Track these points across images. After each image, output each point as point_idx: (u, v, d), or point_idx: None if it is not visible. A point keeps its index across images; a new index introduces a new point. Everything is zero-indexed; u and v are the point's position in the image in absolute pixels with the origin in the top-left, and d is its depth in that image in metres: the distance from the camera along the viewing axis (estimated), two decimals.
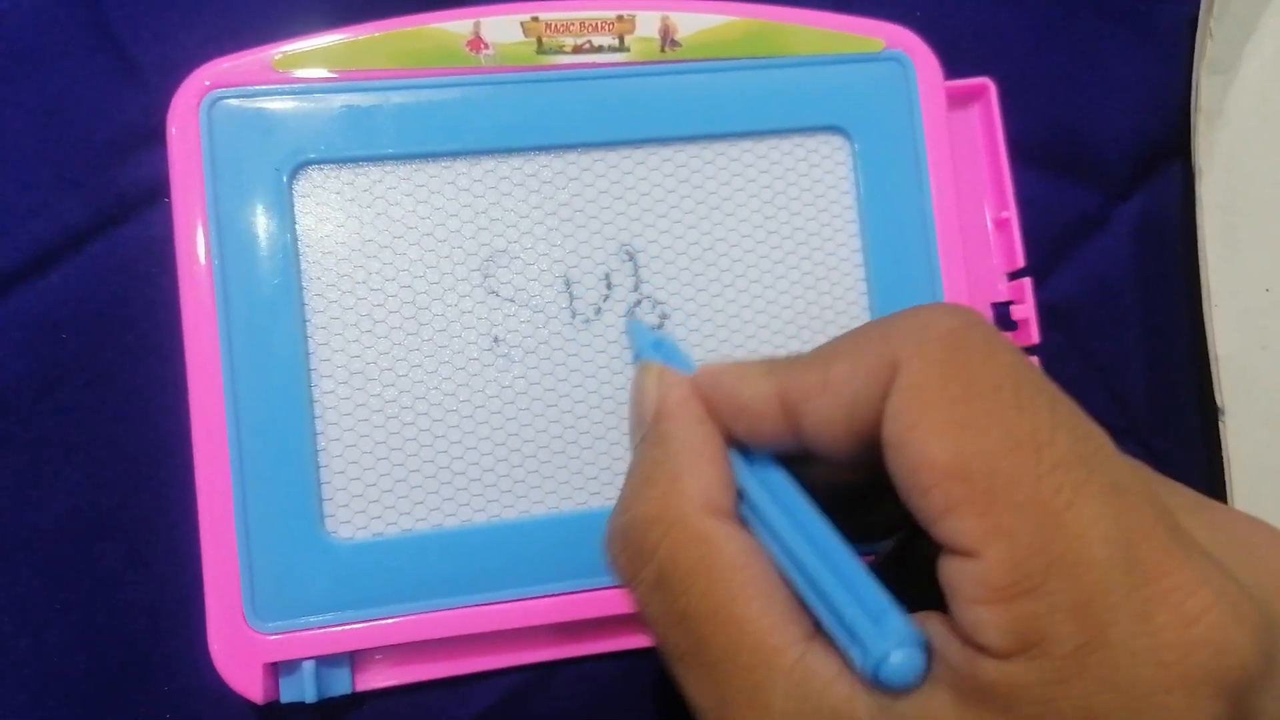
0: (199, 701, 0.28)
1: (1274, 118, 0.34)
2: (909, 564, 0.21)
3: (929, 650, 0.17)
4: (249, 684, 0.27)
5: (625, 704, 0.30)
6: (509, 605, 0.28)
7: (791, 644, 0.18)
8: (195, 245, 0.27)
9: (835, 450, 0.19)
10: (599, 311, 0.29)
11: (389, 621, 0.27)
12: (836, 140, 0.30)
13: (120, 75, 0.30)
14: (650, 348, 0.23)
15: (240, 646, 0.27)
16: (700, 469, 0.20)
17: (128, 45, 0.30)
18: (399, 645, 0.28)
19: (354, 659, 0.28)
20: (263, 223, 0.28)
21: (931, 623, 0.17)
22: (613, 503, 0.28)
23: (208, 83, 0.28)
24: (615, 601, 0.28)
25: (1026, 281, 0.31)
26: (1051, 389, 0.17)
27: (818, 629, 0.18)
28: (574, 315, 0.29)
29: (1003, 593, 0.15)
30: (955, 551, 0.16)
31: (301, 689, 0.27)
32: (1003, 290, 0.32)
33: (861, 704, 0.17)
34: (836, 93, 0.30)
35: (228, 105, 0.28)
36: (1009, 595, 0.15)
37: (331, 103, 0.28)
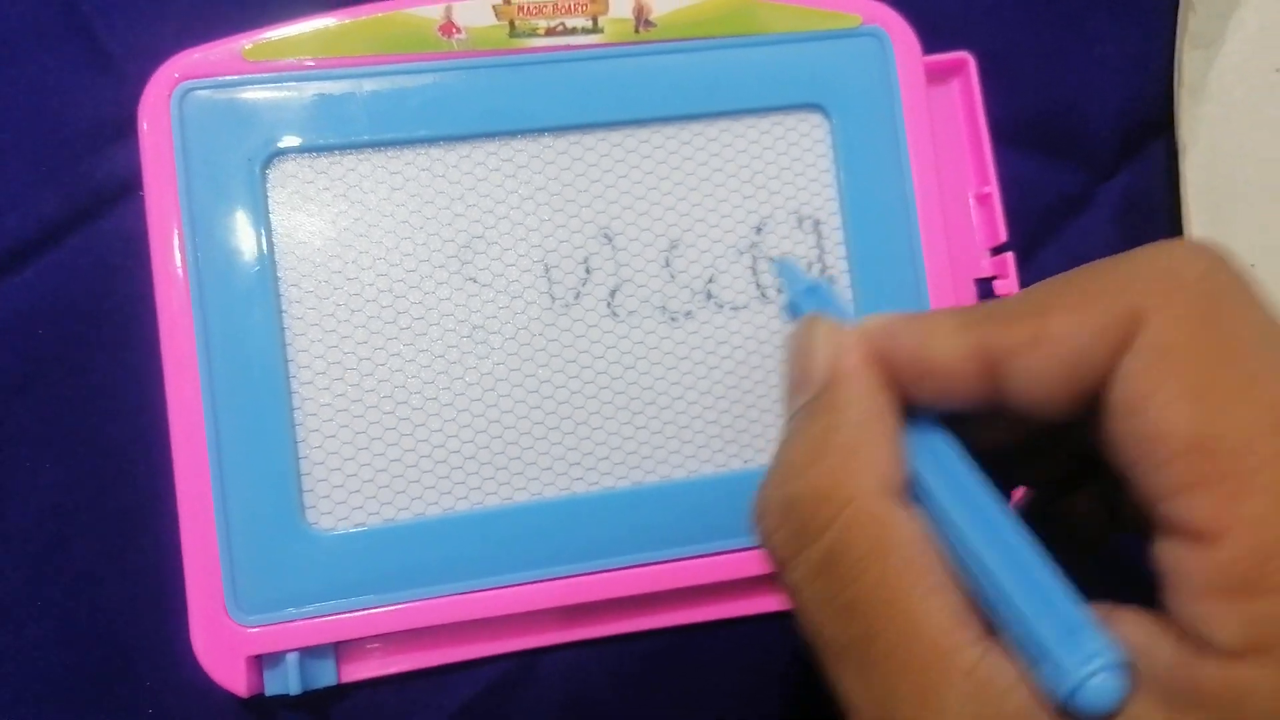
0: (182, 696, 0.28)
1: (1257, 92, 0.34)
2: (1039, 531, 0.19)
3: (1132, 669, 0.15)
4: (232, 677, 0.27)
5: (611, 690, 0.30)
6: (493, 593, 0.27)
7: (969, 645, 0.16)
8: (169, 238, 0.27)
9: (1042, 412, 0.17)
10: (578, 296, 0.29)
11: (373, 612, 0.27)
12: (815, 118, 0.30)
13: (94, 67, 0.30)
14: (805, 294, 0.21)
15: (223, 640, 0.26)
16: (879, 444, 0.18)
17: (101, 36, 0.30)
18: (384, 635, 0.28)
19: (338, 650, 0.28)
20: (237, 214, 0.27)
21: (1131, 621, 0.16)
22: (595, 488, 0.28)
23: (177, 75, 0.28)
24: (599, 586, 0.28)
25: (1009, 256, 0.31)
26: None
27: (992, 629, 0.17)
28: (553, 300, 0.29)
29: (1243, 584, 0.14)
30: (1186, 535, 0.14)
31: (286, 681, 0.27)
32: (985, 265, 0.31)
33: (1046, 713, 0.15)
34: (814, 70, 0.30)
35: (199, 96, 0.28)
36: (1251, 588, 0.14)
37: (303, 91, 0.28)
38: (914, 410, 0.19)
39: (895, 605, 0.17)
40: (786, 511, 0.18)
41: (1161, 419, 0.15)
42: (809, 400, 0.19)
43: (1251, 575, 0.14)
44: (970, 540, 0.17)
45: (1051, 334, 0.16)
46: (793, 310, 0.22)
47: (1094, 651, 0.15)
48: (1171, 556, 0.15)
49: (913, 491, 0.18)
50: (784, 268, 0.24)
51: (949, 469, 0.18)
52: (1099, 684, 0.15)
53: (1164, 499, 0.15)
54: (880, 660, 0.17)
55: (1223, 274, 0.16)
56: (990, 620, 0.17)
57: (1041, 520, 0.19)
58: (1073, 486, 0.21)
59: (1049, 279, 0.18)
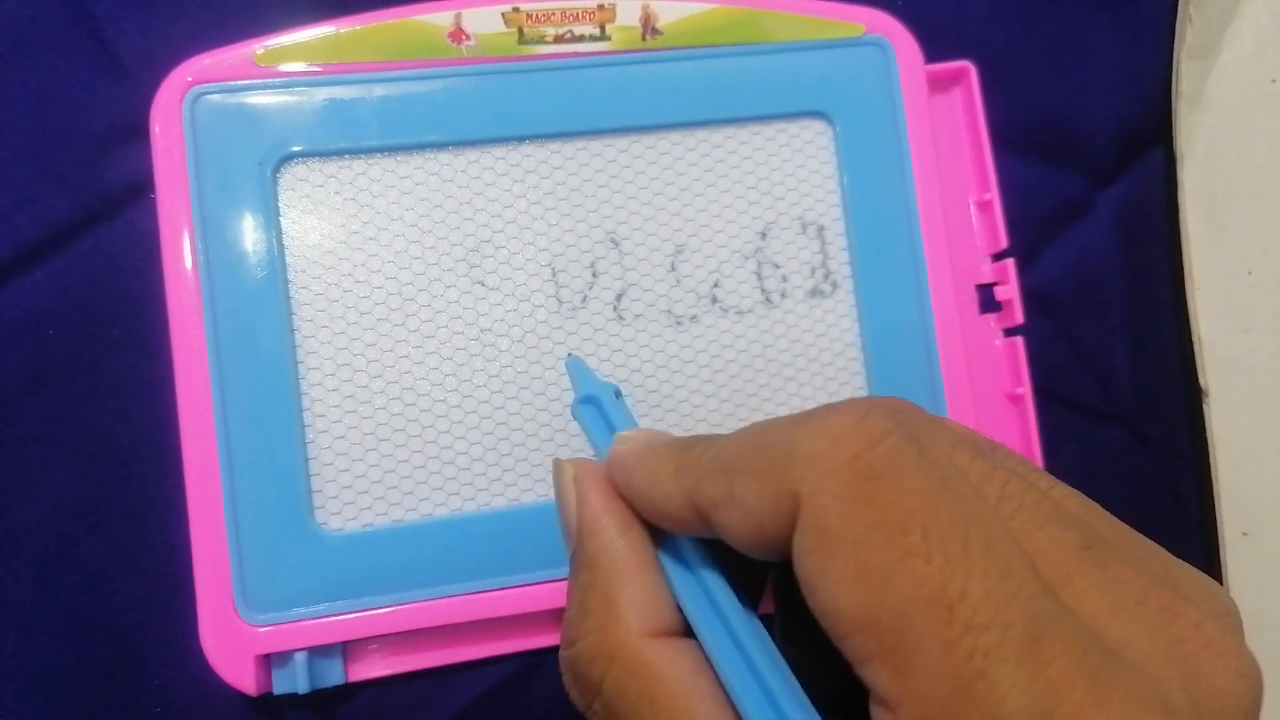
0: (191, 694, 0.28)
1: (1254, 102, 0.34)
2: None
3: None
4: (241, 676, 0.27)
5: None
6: (500, 593, 0.28)
7: None
8: (180, 241, 0.27)
9: (755, 555, 0.17)
10: (585, 299, 0.29)
11: (380, 612, 0.27)
12: (818, 125, 0.30)
13: (105, 70, 0.30)
14: (581, 404, 0.22)
15: (231, 639, 0.27)
16: (633, 588, 0.19)
17: (112, 40, 0.30)
18: (391, 635, 0.28)
19: (346, 649, 0.28)
20: (247, 217, 0.28)
21: None
22: None
23: (190, 79, 0.28)
24: None
25: (1009, 262, 0.31)
26: (967, 512, 0.15)
27: None
28: (560, 304, 0.29)
29: None
30: (877, 700, 0.15)
31: (294, 680, 0.27)
32: (986, 272, 0.32)
33: None
34: (818, 78, 0.30)
35: (210, 101, 0.28)
36: None
37: (314, 96, 0.28)
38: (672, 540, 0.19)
39: None
40: (572, 670, 0.19)
41: (832, 598, 0.15)
42: (571, 554, 0.20)
43: None
44: (718, 659, 0.18)
45: (738, 497, 0.17)
46: (575, 415, 0.23)
47: None
48: (874, 714, 0.15)
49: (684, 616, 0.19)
50: (572, 368, 0.24)
51: (703, 589, 0.19)
52: None
53: (855, 666, 0.15)
54: None
55: (878, 447, 0.16)
56: None
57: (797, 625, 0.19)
58: None
59: (748, 428, 0.18)
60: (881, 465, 0.16)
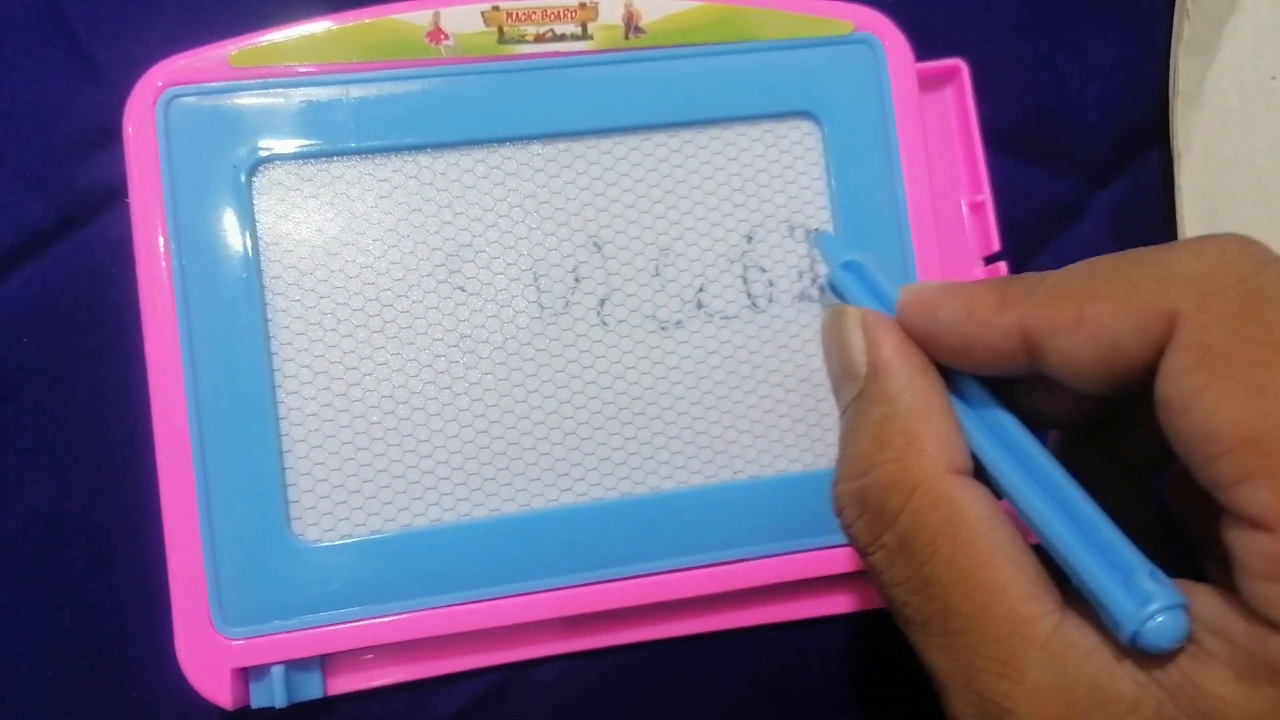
0: (167, 707, 0.28)
1: (1252, 100, 0.34)
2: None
3: (1189, 612, 0.16)
4: (217, 690, 0.26)
5: (601, 703, 0.29)
6: (481, 605, 0.27)
7: (1046, 614, 0.17)
8: (154, 246, 0.27)
9: (1079, 387, 0.18)
10: (567, 305, 0.29)
11: (359, 624, 0.27)
12: (806, 125, 0.30)
13: (79, 73, 0.30)
14: (843, 270, 0.22)
15: (208, 652, 0.26)
16: (935, 426, 0.19)
17: (86, 42, 0.30)
18: (370, 648, 0.28)
19: (324, 662, 0.28)
20: (222, 221, 0.27)
21: (1204, 594, 0.17)
22: (584, 498, 0.28)
23: (162, 81, 0.27)
24: (588, 599, 0.27)
25: (1002, 265, 0.30)
26: None
27: (1070, 598, 0.18)
28: (542, 309, 0.28)
29: None
30: (1246, 522, 0.15)
31: (271, 694, 0.27)
32: (979, 274, 0.31)
33: (1125, 677, 0.16)
34: (805, 77, 0.30)
35: (184, 103, 0.27)
36: None
37: (289, 98, 0.28)
38: (955, 376, 0.20)
39: (970, 581, 0.18)
40: (861, 503, 0.19)
41: (1211, 417, 0.15)
42: (857, 394, 0.20)
43: None
44: (1028, 500, 0.18)
45: (1089, 319, 0.17)
46: (832, 287, 0.22)
47: (1154, 592, 0.16)
48: (1236, 540, 0.16)
49: (975, 462, 0.19)
50: (821, 241, 0.24)
51: (1000, 433, 0.19)
52: (1163, 622, 0.16)
53: (1222, 489, 0.15)
54: (959, 632, 0.18)
55: (1265, 272, 0.16)
56: (1066, 582, 0.18)
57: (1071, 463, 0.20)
58: (1101, 428, 0.22)
59: (1089, 261, 0.18)
60: (1270, 288, 0.16)
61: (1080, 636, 0.17)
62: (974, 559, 0.18)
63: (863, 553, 0.20)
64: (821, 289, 0.23)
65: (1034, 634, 0.17)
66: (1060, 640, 0.17)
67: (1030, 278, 0.19)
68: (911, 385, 0.19)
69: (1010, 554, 0.18)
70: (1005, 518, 0.18)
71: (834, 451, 0.29)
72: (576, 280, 0.29)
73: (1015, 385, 0.20)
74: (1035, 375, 0.19)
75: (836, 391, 0.21)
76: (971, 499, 0.18)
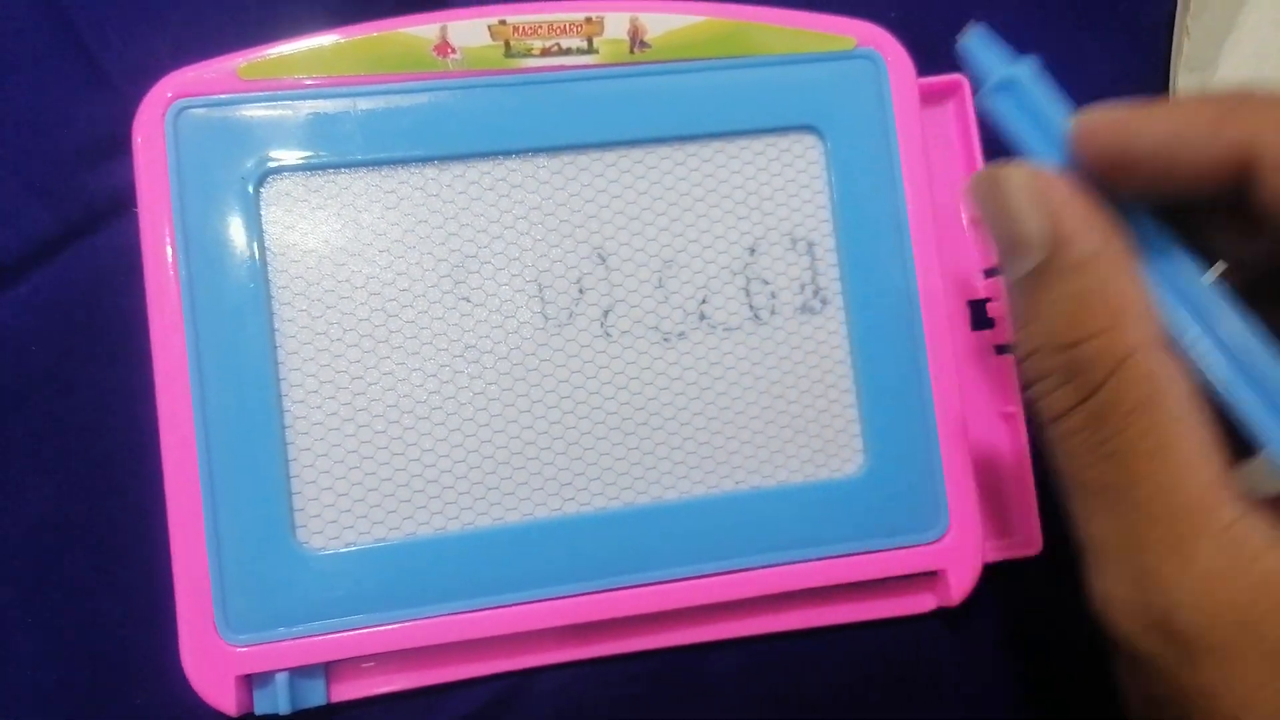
0: (172, 714, 0.28)
1: None
2: None
3: None
4: (222, 696, 0.26)
5: (606, 712, 0.29)
6: (485, 613, 0.27)
7: (1228, 504, 0.17)
8: (162, 255, 0.27)
9: None
10: (571, 316, 0.29)
11: (363, 632, 0.27)
12: (809, 140, 0.30)
13: (89, 84, 0.30)
14: (996, 93, 0.20)
15: (212, 659, 0.26)
16: (1134, 294, 0.18)
17: (96, 52, 0.30)
18: (374, 655, 0.28)
19: (329, 670, 0.28)
20: (230, 232, 0.27)
21: None
22: (587, 508, 0.28)
23: (172, 93, 0.28)
24: (592, 607, 0.28)
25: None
26: None
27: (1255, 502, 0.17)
28: (546, 320, 0.29)
29: None
30: None
31: (275, 701, 0.27)
32: (980, 288, 0.31)
33: None
34: (808, 92, 0.30)
35: (193, 114, 0.28)
36: None
37: (298, 110, 0.28)
38: (1130, 212, 0.19)
39: (1160, 456, 0.18)
40: (1065, 369, 0.19)
41: None
42: (1039, 267, 0.19)
43: None
44: (1206, 351, 0.18)
45: None
46: (991, 108, 0.20)
47: None
48: None
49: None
50: (971, 47, 0.21)
51: (1177, 278, 0.19)
52: None
53: None
54: (1137, 506, 0.18)
55: None
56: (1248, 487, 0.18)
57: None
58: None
59: None
60: None
61: (1258, 534, 0.17)
62: (1169, 436, 0.18)
63: (1051, 419, 0.19)
64: (986, 102, 0.20)
65: (1214, 520, 0.17)
66: (1239, 530, 0.17)
67: (1244, 93, 0.18)
68: (1106, 252, 0.19)
69: (1203, 439, 0.18)
70: (1200, 401, 0.18)
71: (836, 461, 0.29)
72: (580, 291, 0.29)
73: (1191, 221, 0.20)
74: (1223, 208, 0.18)
75: (1004, 261, 0.20)
76: (1173, 377, 0.18)
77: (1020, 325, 0.20)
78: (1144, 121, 0.19)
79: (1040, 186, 0.19)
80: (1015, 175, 0.19)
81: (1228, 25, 0.34)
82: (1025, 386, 0.20)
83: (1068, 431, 0.19)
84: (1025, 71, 0.20)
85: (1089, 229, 0.19)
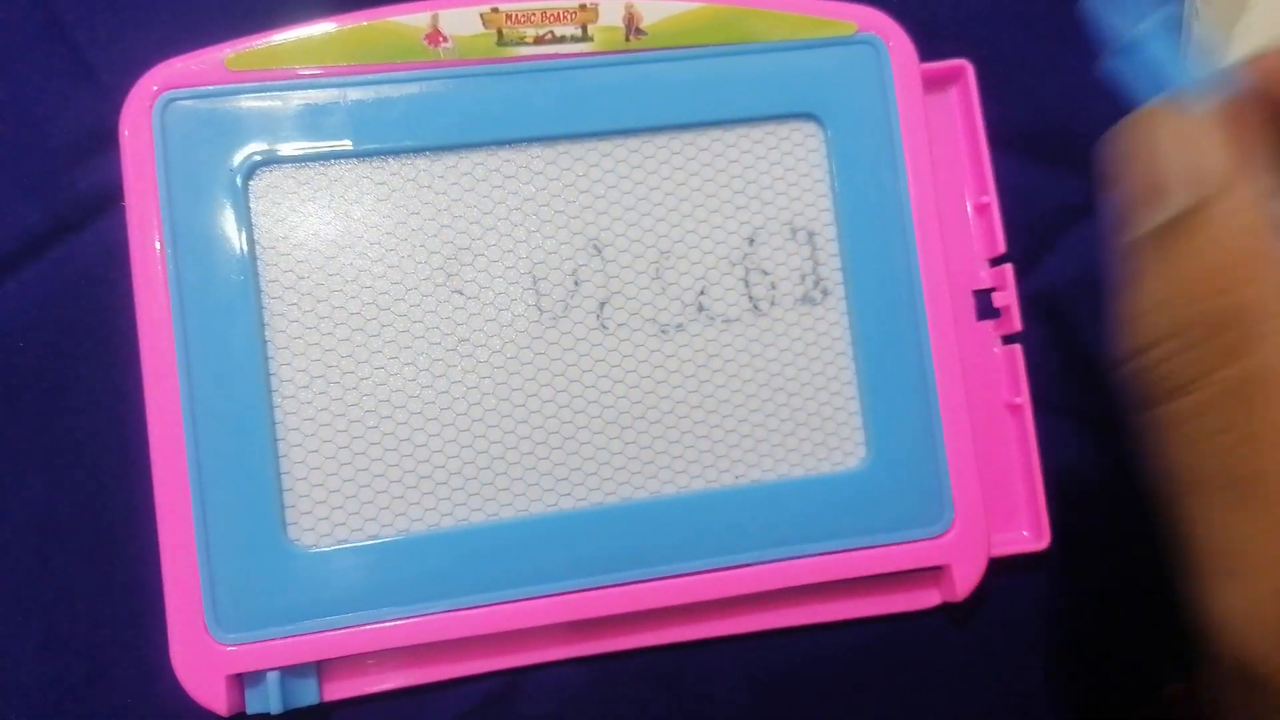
0: (162, 714, 0.28)
1: None
2: None
3: None
4: (212, 696, 0.26)
5: (600, 708, 0.29)
6: (479, 611, 0.27)
7: None
8: (151, 249, 0.27)
9: None
10: (567, 308, 0.28)
11: (356, 630, 0.26)
12: (809, 127, 0.29)
13: (75, 77, 0.30)
14: (1127, 53, 0.19)
15: (203, 658, 0.26)
16: None
17: (83, 46, 0.30)
18: (367, 654, 0.27)
19: (321, 668, 0.28)
20: (219, 225, 0.27)
21: None
22: (584, 503, 0.28)
23: (156, 86, 0.27)
24: (587, 604, 0.27)
25: (1007, 268, 0.30)
26: None
27: None
28: (541, 313, 0.28)
29: None
30: None
31: (266, 700, 0.26)
32: (984, 277, 0.31)
33: None
34: (808, 78, 0.29)
35: (181, 106, 0.27)
36: None
37: (287, 101, 0.27)
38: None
39: None
40: (1199, 327, 0.16)
41: None
42: (1180, 213, 0.17)
43: None
44: None
45: None
46: (1124, 64, 0.19)
47: None
48: None
49: None
50: (1097, 8, 0.20)
51: None
52: None
53: None
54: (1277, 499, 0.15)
55: None
56: None
57: None
58: None
59: None
60: None
61: None
62: None
63: (1174, 392, 0.17)
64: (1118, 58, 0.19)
65: None
66: None
67: None
68: (1255, 205, 0.17)
69: None
70: None
71: (838, 455, 0.28)
72: (576, 283, 0.28)
73: None
74: None
75: (1139, 209, 0.18)
76: None
77: (1143, 282, 0.17)
78: None
79: (1199, 137, 0.17)
80: (1164, 120, 0.18)
81: (1238, 9, 0.33)
82: (1132, 355, 0.17)
83: (1198, 408, 0.16)
84: (1152, 24, 0.19)
85: (1240, 175, 0.17)
